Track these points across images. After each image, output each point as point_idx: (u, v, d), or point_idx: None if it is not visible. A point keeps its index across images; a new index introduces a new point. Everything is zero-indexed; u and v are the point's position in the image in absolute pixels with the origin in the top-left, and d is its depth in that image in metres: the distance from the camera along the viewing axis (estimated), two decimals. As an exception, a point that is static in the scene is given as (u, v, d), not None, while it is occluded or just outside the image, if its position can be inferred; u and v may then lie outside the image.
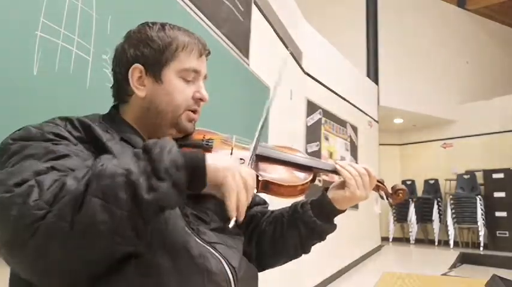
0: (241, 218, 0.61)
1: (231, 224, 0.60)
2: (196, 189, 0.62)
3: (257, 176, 0.73)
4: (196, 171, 0.60)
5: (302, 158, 0.87)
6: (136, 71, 0.77)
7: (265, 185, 0.78)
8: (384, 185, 0.93)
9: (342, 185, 0.86)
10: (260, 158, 0.82)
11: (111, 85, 0.82)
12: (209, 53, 0.84)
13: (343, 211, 0.88)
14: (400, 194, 0.91)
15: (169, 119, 0.78)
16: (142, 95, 0.77)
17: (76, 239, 0.51)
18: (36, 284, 0.57)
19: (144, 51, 0.77)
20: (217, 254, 0.70)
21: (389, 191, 0.92)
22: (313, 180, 0.85)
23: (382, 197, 0.92)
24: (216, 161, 0.62)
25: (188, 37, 0.80)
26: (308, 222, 0.86)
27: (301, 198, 0.87)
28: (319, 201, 0.87)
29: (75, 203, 0.51)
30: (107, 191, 0.52)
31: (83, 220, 0.51)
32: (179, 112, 0.78)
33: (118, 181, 0.53)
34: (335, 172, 0.87)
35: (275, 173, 0.81)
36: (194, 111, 0.81)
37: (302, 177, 0.83)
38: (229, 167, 0.62)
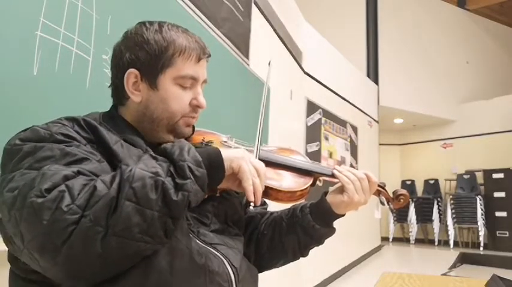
0: (258, 203, 0.67)
1: (251, 208, 0.66)
2: (216, 182, 0.65)
3: None
4: (214, 164, 0.64)
5: (302, 162, 0.85)
6: (131, 76, 0.75)
7: (264, 190, 0.76)
8: (384, 189, 0.91)
9: (341, 189, 0.85)
10: None
11: (109, 85, 0.82)
12: (209, 56, 0.81)
13: (343, 215, 0.87)
14: (402, 200, 0.89)
15: (165, 125, 0.77)
16: (138, 100, 0.76)
17: (110, 242, 0.52)
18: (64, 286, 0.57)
19: (140, 56, 0.74)
20: (219, 255, 0.70)
21: (391, 196, 0.90)
22: (313, 184, 0.84)
23: (382, 203, 0.90)
24: (229, 152, 0.67)
25: (186, 40, 0.76)
26: (307, 227, 0.85)
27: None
28: (318, 205, 0.86)
29: (110, 207, 0.53)
30: (138, 194, 0.54)
31: (117, 223, 0.52)
32: (175, 119, 0.77)
33: (148, 183, 0.55)
34: (333, 176, 0.85)
35: (274, 178, 0.80)
36: (191, 117, 0.79)
37: (302, 182, 0.82)
38: (241, 156, 0.67)
